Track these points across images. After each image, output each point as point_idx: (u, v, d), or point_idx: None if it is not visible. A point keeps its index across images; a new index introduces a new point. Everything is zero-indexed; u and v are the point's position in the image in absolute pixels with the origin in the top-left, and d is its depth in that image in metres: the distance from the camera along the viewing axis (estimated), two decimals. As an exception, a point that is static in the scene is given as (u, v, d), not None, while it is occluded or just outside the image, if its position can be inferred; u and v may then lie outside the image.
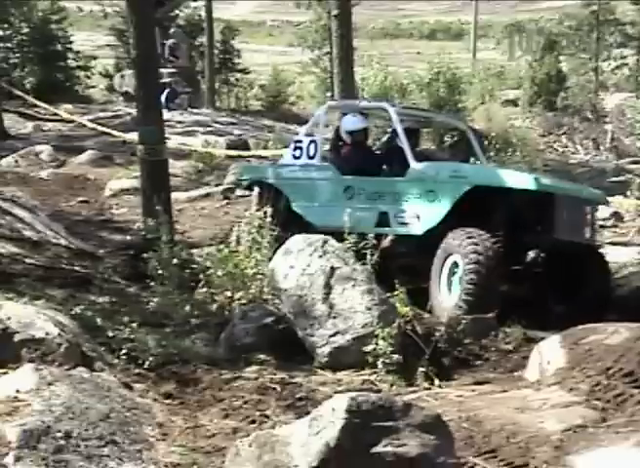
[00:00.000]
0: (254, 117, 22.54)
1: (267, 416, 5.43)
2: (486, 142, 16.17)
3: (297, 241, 7.31)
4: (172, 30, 23.02)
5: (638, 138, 20.20)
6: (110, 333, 6.29)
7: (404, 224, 8.52)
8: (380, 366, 6.34)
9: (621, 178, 16.31)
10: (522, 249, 8.21)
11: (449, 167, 8.70)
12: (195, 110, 21.56)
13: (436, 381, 6.36)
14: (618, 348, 5.97)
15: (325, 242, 7.26)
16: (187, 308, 7.17)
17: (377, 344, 6.35)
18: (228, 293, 7.49)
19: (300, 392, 5.88)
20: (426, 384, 6.32)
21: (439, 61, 22.01)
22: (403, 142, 8.74)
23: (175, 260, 7.53)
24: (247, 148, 16.92)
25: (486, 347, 7.02)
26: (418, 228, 8.40)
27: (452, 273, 7.93)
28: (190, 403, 5.65)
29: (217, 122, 20.34)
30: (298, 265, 7.06)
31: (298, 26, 29.77)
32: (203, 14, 24.05)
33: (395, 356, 6.31)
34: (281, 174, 9.43)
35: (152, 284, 7.46)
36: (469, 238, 7.71)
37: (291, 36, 30.48)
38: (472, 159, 10.39)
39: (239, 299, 7.45)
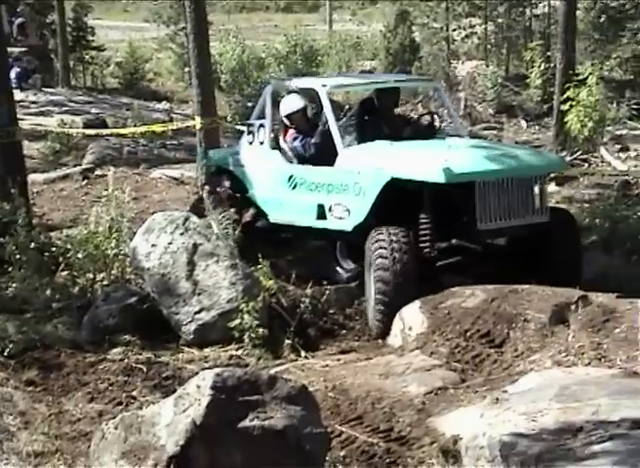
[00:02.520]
0: (111, 95, 22.08)
1: (134, 397, 5.41)
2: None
3: (157, 219, 7.24)
4: (20, 8, 22.29)
5: (489, 105, 20.71)
6: (-34, 323, 6.13)
7: (338, 219, 7.73)
8: (246, 340, 6.38)
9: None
10: (448, 241, 7.44)
11: (373, 154, 7.64)
12: (49, 90, 20.96)
13: (302, 352, 6.45)
14: (474, 310, 6.19)
15: (186, 219, 7.22)
16: (48, 292, 7.04)
17: (242, 319, 6.38)
18: (90, 275, 7.38)
19: (166, 371, 5.87)
20: (293, 356, 6.41)
21: (296, 34, 22.06)
22: (332, 127, 7.87)
23: (33, 244, 7.37)
24: (105, 127, 16.58)
25: (350, 316, 7.15)
26: (348, 224, 7.62)
27: None
28: (54, 389, 5.58)
29: (72, 101, 19.82)
30: (160, 244, 7.01)
31: (153, 2, 29.21)
32: (53, -10, 23.33)
33: (261, 330, 6.37)
34: (237, 160, 8.80)
35: (10, 269, 7.28)
36: (378, 234, 6.96)
37: (146, 12, 29.83)
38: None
39: (101, 281, 7.35)
